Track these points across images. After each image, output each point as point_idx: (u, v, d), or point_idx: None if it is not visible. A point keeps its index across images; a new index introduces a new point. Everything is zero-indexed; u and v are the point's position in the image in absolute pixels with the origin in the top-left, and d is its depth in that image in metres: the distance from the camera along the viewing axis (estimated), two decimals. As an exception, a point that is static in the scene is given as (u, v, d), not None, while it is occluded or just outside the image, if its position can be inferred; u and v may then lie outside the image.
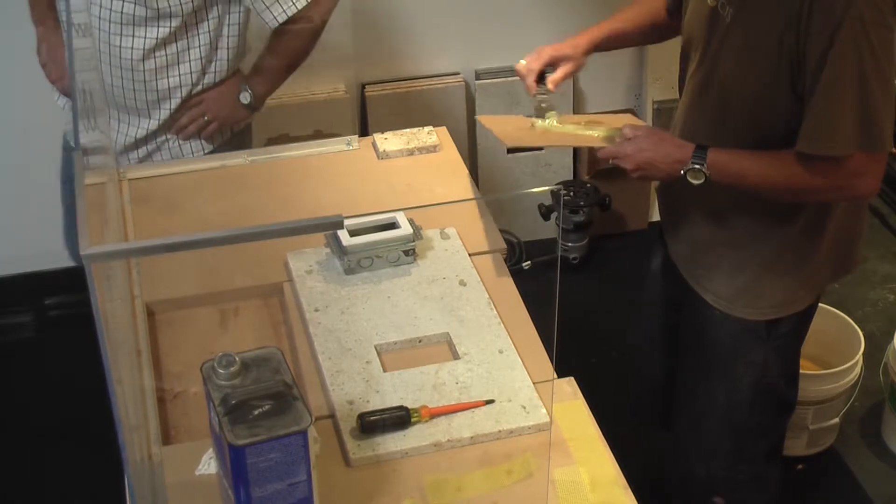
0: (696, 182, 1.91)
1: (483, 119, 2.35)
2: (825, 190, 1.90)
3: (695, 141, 1.94)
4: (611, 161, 2.00)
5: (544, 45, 2.16)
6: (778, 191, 1.92)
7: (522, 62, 2.17)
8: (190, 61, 2.38)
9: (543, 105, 2.17)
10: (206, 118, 2.45)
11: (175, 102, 2.42)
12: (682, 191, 2.07)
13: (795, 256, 2.05)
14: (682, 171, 1.91)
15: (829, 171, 1.85)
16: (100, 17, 2.30)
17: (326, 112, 3.36)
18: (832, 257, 2.08)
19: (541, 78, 2.15)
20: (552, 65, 2.16)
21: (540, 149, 3.56)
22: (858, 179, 1.87)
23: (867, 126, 1.80)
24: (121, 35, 2.31)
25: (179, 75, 2.40)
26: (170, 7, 2.28)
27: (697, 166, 1.90)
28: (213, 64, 2.42)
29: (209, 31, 2.37)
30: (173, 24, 2.31)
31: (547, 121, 2.16)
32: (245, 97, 2.47)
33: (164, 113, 2.42)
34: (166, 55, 2.36)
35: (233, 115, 2.50)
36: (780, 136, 1.89)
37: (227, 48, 2.42)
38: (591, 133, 2.13)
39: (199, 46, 2.37)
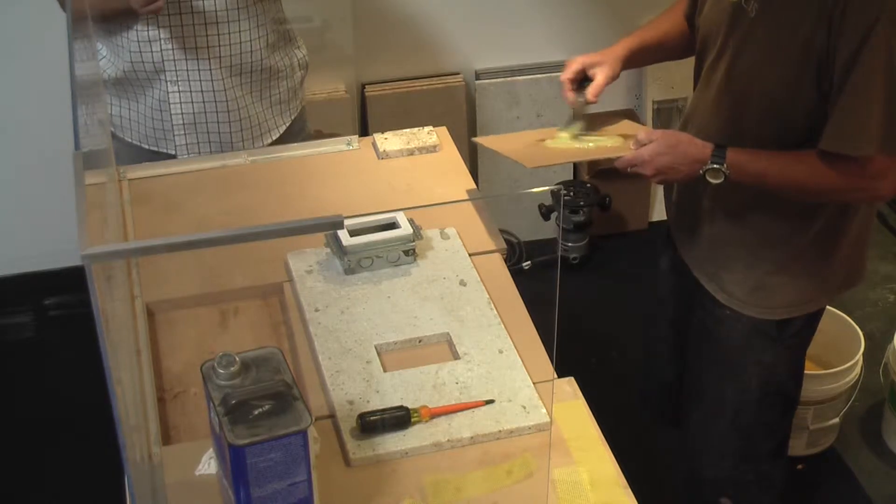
0: (715, 181, 1.90)
1: (483, 141, 2.33)
2: (845, 190, 1.89)
3: (712, 137, 1.94)
4: (629, 169, 1.98)
5: (577, 56, 2.14)
6: (797, 190, 1.92)
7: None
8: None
9: (572, 117, 2.16)
10: None
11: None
12: (696, 188, 2.07)
13: (813, 257, 2.04)
14: (701, 171, 1.91)
15: (851, 172, 1.85)
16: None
17: (326, 112, 3.36)
18: (847, 262, 2.08)
19: (582, 88, 2.12)
20: (586, 74, 2.12)
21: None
22: (879, 181, 1.86)
23: (893, 128, 1.80)
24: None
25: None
26: None
27: (717, 166, 1.89)
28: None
29: None
30: None
31: (569, 132, 2.15)
32: None
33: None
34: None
35: None
36: (800, 133, 1.88)
37: None
38: (606, 144, 2.12)
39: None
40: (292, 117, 2.54)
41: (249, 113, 2.44)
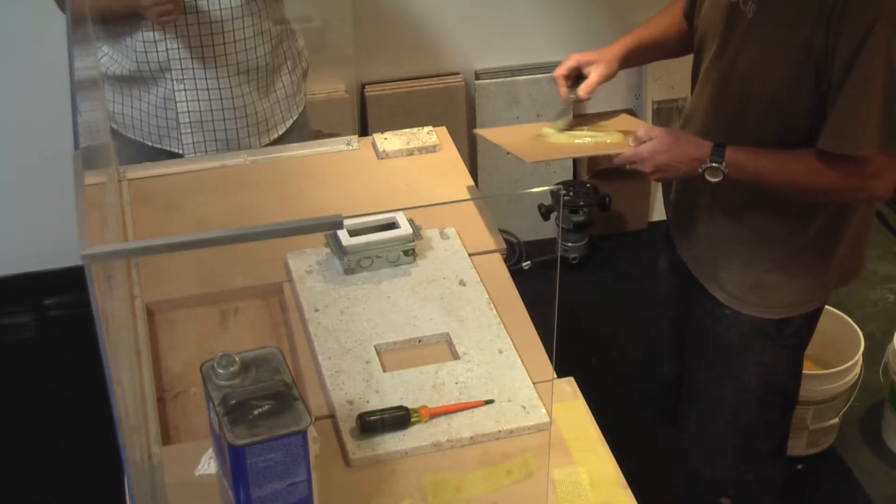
0: (714, 180, 1.90)
1: (484, 132, 2.33)
2: (842, 190, 1.89)
3: (712, 136, 1.94)
4: (628, 166, 1.98)
5: (573, 53, 2.14)
6: (795, 189, 1.92)
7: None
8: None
9: (562, 112, 2.16)
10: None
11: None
12: (695, 187, 2.07)
13: (812, 257, 2.04)
14: (700, 170, 1.91)
15: (849, 172, 1.85)
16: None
17: (326, 112, 3.36)
18: (845, 260, 2.08)
19: (576, 85, 2.12)
20: (581, 72, 2.12)
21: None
22: (875, 181, 1.86)
23: (892, 128, 1.80)
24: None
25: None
26: None
27: (716, 164, 1.89)
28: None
29: None
30: None
31: (556, 127, 2.15)
32: None
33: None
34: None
35: None
36: (800, 133, 1.88)
37: None
38: (605, 140, 2.12)
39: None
40: (298, 112, 2.55)
41: (256, 109, 2.44)
